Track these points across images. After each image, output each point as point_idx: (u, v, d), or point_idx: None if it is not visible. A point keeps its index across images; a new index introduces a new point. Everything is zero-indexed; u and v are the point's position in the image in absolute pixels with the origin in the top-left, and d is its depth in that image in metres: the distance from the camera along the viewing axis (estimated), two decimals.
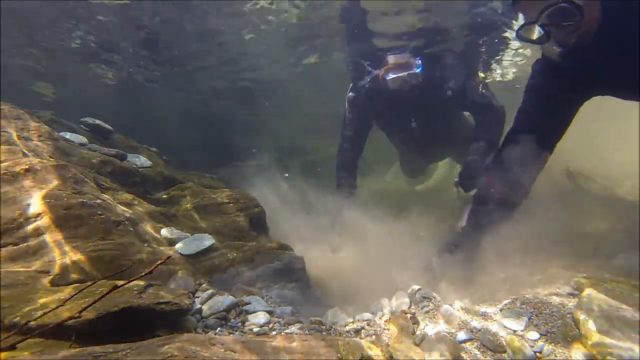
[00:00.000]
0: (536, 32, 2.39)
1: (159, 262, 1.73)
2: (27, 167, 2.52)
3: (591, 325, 1.87)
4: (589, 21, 2.33)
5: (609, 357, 1.71)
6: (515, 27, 5.82)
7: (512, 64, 7.47)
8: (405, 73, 4.49)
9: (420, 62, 4.64)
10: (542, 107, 2.89)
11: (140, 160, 3.90)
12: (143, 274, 1.65)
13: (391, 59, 4.73)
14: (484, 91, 4.47)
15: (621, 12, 2.33)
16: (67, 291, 1.89)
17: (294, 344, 1.58)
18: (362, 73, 5.11)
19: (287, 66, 7.97)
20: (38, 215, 2.30)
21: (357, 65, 5.42)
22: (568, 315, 2.06)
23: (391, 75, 4.53)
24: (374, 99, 4.84)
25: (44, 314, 1.52)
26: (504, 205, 3.04)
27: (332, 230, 4.18)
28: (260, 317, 2.17)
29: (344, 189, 4.80)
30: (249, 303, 2.30)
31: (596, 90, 2.79)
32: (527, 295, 2.36)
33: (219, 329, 2.05)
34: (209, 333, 2.01)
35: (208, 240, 2.77)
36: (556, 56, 2.52)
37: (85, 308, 1.49)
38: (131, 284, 1.86)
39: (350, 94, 5.00)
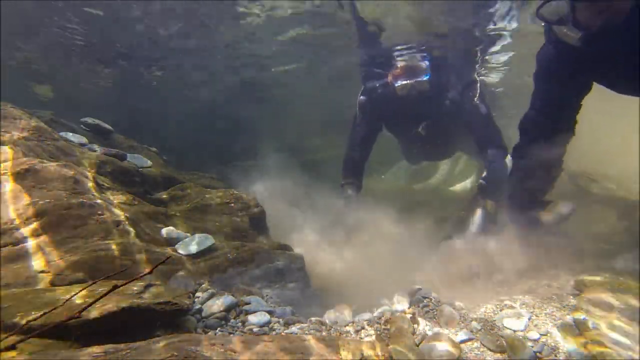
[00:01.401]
0: (560, 10, 2.33)
1: (159, 262, 1.73)
2: (27, 167, 2.52)
3: (591, 325, 1.87)
4: (620, 4, 2.24)
5: (608, 357, 1.71)
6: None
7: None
8: (413, 80, 4.62)
9: (427, 64, 4.73)
10: (558, 90, 2.90)
11: (140, 160, 3.90)
12: (143, 274, 1.65)
13: (400, 62, 4.81)
14: (478, 102, 4.57)
15: None
16: (67, 291, 1.89)
17: (294, 344, 1.58)
18: (373, 77, 5.19)
19: (290, 64, 7.95)
20: (38, 215, 2.29)
21: (368, 70, 5.51)
22: (568, 316, 2.06)
23: (400, 82, 4.65)
24: (384, 104, 4.94)
25: (44, 314, 1.52)
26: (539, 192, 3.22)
27: (337, 225, 4.19)
28: (260, 317, 2.17)
29: (348, 189, 4.82)
30: (249, 303, 2.30)
31: (601, 78, 2.81)
32: (527, 295, 2.36)
33: (219, 329, 2.05)
34: (209, 333, 2.01)
35: (208, 240, 2.77)
36: (574, 40, 2.46)
37: (85, 308, 1.49)
38: (131, 284, 1.86)
39: (361, 97, 5.09)
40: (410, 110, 4.77)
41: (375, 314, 2.35)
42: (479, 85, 4.67)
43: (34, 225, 2.26)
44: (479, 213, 4.05)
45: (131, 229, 2.53)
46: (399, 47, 5.83)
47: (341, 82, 8.57)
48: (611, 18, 2.26)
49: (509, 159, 4.79)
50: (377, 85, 5.05)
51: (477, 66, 6.34)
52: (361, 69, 6.46)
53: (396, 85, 4.67)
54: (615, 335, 1.79)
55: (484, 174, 4.29)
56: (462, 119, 4.64)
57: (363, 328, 2.17)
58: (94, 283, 1.84)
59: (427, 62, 4.80)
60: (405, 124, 5.10)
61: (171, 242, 2.75)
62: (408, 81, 4.63)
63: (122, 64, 8.23)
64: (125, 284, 1.66)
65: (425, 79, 4.66)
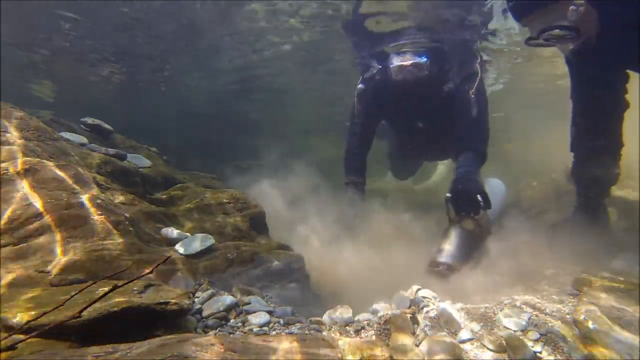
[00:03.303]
0: (542, 43, 2.58)
1: (159, 262, 1.73)
2: (27, 167, 2.53)
3: (591, 325, 1.87)
4: (588, 31, 2.45)
5: (608, 357, 1.71)
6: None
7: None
8: (410, 62, 4.33)
9: (425, 59, 4.43)
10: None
11: (140, 160, 3.90)
12: (143, 274, 1.65)
13: (395, 58, 4.53)
14: (472, 97, 4.20)
15: (619, 17, 2.41)
16: (67, 291, 1.89)
17: (294, 344, 1.58)
18: (370, 68, 5.05)
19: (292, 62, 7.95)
20: (38, 215, 2.30)
21: (364, 59, 5.40)
22: (568, 315, 2.06)
23: (395, 64, 4.38)
24: (382, 91, 4.68)
25: (44, 314, 1.52)
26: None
27: (339, 226, 4.11)
28: (260, 317, 2.17)
29: (352, 187, 4.68)
30: (249, 303, 2.31)
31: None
32: (527, 295, 2.36)
33: (219, 329, 2.05)
34: (209, 333, 2.01)
35: (208, 240, 2.77)
36: (568, 54, 2.66)
37: (85, 308, 1.48)
38: (131, 284, 1.86)
39: (360, 86, 4.83)
40: (409, 98, 4.47)
41: (375, 314, 2.35)
42: (479, 79, 4.31)
43: (34, 225, 2.26)
44: (452, 236, 3.31)
45: (131, 229, 2.53)
46: (394, 43, 5.76)
47: (342, 79, 8.57)
48: (585, 43, 2.55)
49: (499, 183, 4.63)
50: (375, 72, 4.83)
51: (477, 57, 6.21)
52: (359, 62, 6.40)
53: (391, 66, 4.38)
54: (615, 336, 1.79)
55: (451, 184, 3.66)
56: (454, 112, 4.32)
57: (363, 328, 2.17)
58: (94, 283, 1.84)
59: (425, 58, 4.46)
60: (403, 114, 4.83)
61: (171, 242, 2.75)
62: (404, 62, 4.33)
63: (124, 64, 8.24)
64: (125, 284, 1.66)
65: (423, 60, 4.33)
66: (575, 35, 2.42)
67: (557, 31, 2.40)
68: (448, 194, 3.52)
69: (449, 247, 3.22)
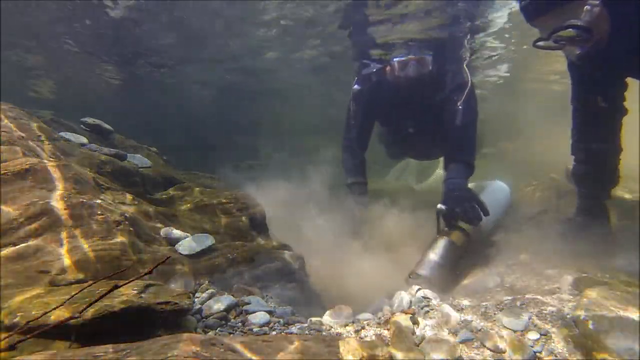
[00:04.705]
0: (550, 45, 2.55)
1: (159, 262, 1.73)
2: (27, 167, 2.52)
3: (591, 325, 1.87)
4: (600, 33, 2.45)
5: (608, 357, 1.71)
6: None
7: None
8: (414, 57, 4.27)
9: (429, 56, 4.41)
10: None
11: (140, 160, 3.90)
12: (143, 274, 1.65)
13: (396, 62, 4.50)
14: (459, 107, 4.15)
15: (628, 18, 2.41)
16: (67, 291, 1.89)
17: (294, 345, 1.58)
18: (368, 66, 5.03)
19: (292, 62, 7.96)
20: (38, 215, 2.29)
21: (363, 60, 5.38)
22: (568, 315, 2.06)
23: (400, 57, 4.30)
24: (378, 93, 4.67)
25: (44, 314, 1.52)
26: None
27: (339, 225, 4.11)
28: (260, 317, 2.17)
29: (354, 188, 4.68)
30: (249, 303, 2.31)
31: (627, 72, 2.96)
32: (527, 295, 2.36)
33: (219, 329, 2.05)
34: (209, 333, 2.01)
35: (208, 240, 2.77)
36: (574, 57, 2.65)
37: (85, 308, 1.49)
38: (131, 284, 1.86)
39: (355, 86, 4.79)
40: (407, 97, 4.42)
41: (375, 314, 2.35)
42: (468, 89, 4.27)
43: (34, 225, 2.26)
44: (438, 248, 3.22)
45: (131, 229, 2.53)
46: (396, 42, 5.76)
47: (342, 78, 8.59)
48: (595, 45, 2.53)
49: (499, 185, 4.60)
50: (372, 72, 4.80)
51: (466, 61, 6.24)
52: (354, 63, 6.39)
53: (395, 59, 4.30)
54: (615, 336, 1.79)
55: (443, 196, 3.62)
56: (443, 119, 4.28)
57: (363, 328, 2.17)
58: (94, 283, 1.84)
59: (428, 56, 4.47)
60: (396, 117, 4.82)
61: (171, 242, 2.75)
62: (409, 55, 4.26)
63: (125, 65, 8.25)
64: (125, 284, 1.66)
65: (427, 56, 4.28)
66: (587, 36, 2.39)
67: (569, 31, 2.37)
68: (441, 205, 3.43)
69: (431, 259, 3.14)
